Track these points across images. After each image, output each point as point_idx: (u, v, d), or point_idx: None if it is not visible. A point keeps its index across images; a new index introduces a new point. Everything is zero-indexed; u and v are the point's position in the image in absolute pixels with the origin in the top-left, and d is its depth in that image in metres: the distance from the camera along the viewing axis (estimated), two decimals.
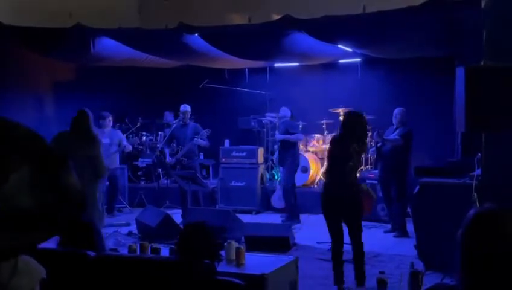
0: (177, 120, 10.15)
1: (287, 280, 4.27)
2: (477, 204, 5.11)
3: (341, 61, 11.38)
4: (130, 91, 12.13)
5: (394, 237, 8.19)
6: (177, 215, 8.91)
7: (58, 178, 1.17)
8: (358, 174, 6.20)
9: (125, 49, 10.01)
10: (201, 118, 11.21)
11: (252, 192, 10.42)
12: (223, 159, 10.85)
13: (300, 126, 10.41)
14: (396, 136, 8.19)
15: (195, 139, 9.30)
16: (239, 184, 10.50)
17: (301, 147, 10.56)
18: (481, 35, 5.99)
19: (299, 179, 10.16)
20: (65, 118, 7.02)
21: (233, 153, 10.79)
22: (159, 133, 11.97)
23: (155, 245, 4.33)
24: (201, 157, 11.12)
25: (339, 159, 5.58)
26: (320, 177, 10.77)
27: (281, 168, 9.67)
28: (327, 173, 5.87)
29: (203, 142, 9.44)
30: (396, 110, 8.42)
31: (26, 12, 10.21)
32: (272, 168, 11.12)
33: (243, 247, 4.35)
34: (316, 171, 10.69)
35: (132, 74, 11.84)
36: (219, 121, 11.52)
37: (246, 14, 10.19)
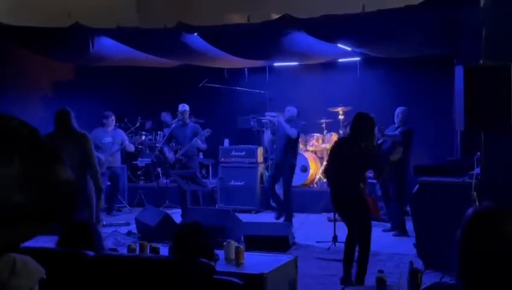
0: (176, 120, 10.15)
1: (286, 279, 4.27)
2: (477, 203, 5.12)
3: (340, 60, 11.38)
4: (130, 91, 12.13)
5: (393, 235, 8.19)
6: (176, 214, 8.91)
7: (50, 172, 1.15)
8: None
9: (124, 48, 10.00)
10: (200, 117, 11.22)
11: (252, 191, 10.42)
12: (223, 159, 10.85)
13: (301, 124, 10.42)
14: (396, 133, 8.20)
15: (194, 140, 9.31)
16: (238, 183, 10.50)
17: (301, 146, 10.55)
18: (480, 34, 5.99)
19: (298, 179, 10.16)
20: None
21: (233, 153, 10.79)
22: (159, 132, 11.98)
23: (154, 245, 4.33)
24: (201, 156, 11.12)
25: (348, 160, 5.68)
26: (320, 177, 10.78)
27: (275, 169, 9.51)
28: (335, 174, 5.87)
29: (202, 145, 9.45)
30: (399, 110, 8.42)
31: (24, 12, 10.22)
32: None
33: (242, 246, 4.35)
34: (316, 170, 10.69)
35: (131, 74, 11.85)
36: (218, 121, 11.52)
37: (245, 13, 10.18)
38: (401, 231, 8.16)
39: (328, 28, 8.70)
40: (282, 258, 4.47)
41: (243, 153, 10.69)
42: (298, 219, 9.21)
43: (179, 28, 9.33)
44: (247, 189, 10.43)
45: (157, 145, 11.57)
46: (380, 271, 4.04)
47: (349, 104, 10.58)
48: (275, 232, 7.53)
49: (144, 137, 11.88)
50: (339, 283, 5.77)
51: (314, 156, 10.84)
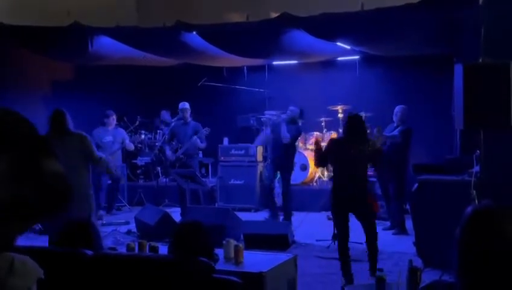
0: (175, 118, 10.15)
1: (286, 278, 4.27)
2: (476, 201, 5.11)
3: (339, 58, 11.38)
4: (129, 90, 12.13)
5: (393, 234, 8.19)
6: (176, 213, 8.92)
7: (40, 165, 1.13)
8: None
9: (122, 47, 10.00)
10: (200, 116, 11.21)
11: (251, 190, 10.42)
12: (222, 158, 10.84)
13: (300, 124, 10.41)
14: (395, 133, 8.18)
15: (194, 138, 9.31)
16: (238, 182, 10.50)
17: (300, 144, 10.55)
18: (479, 33, 5.98)
19: (298, 177, 10.16)
20: None
21: (232, 151, 10.79)
22: (158, 131, 11.98)
23: (153, 244, 4.32)
24: (200, 155, 11.11)
25: (358, 159, 5.79)
26: (320, 175, 10.78)
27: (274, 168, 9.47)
28: (345, 175, 5.90)
29: (201, 144, 9.44)
30: (397, 108, 8.40)
31: (23, 11, 10.20)
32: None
33: (241, 245, 4.35)
34: (315, 169, 10.68)
35: (131, 73, 11.85)
36: (218, 120, 11.52)
37: (244, 12, 10.18)
38: (401, 230, 8.16)
39: (327, 26, 8.69)
40: (281, 257, 4.46)
41: (243, 152, 10.69)
42: (298, 217, 9.20)
43: (177, 27, 9.32)
44: (246, 188, 10.43)
45: (156, 144, 11.57)
46: (380, 269, 4.05)
47: (348, 102, 10.58)
48: (274, 230, 7.53)
49: (143, 136, 11.88)
50: (338, 281, 5.77)
51: (313, 155, 10.82)
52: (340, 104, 10.66)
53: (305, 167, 10.55)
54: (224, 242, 4.33)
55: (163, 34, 9.78)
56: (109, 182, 10.08)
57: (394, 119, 8.40)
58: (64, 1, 11.01)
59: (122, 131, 10.42)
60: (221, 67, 12.17)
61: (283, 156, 9.03)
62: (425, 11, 7.62)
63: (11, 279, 1.23)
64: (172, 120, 10.94)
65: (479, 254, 1.64)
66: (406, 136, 8.10)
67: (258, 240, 6.94)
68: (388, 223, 8.52)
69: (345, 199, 5.82)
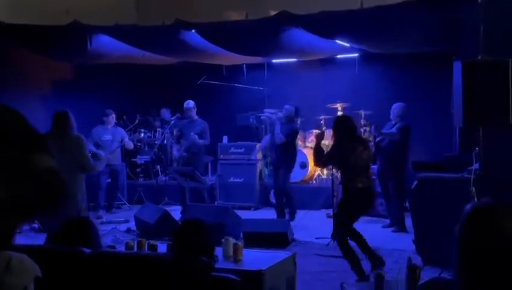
0: (175, 117, 10.13)
1: (285, 276, 4.27)
2: (475, 198, 5.11)
3: (339, 56, 11.37)
4: (128, 88, 12.12)
5: (392, 231, 8.20)
6: (175, 212, 8.91)
7: (32, 160, 1.13)
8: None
9: (121, 46, 9.99)
10: (199, 114, 11.19)
11: (251, 188, 10.42)
12: (222, 156, 10.84)
13: (299, 122, 10.41)
14: (393, 130, 8.18)
15: (192, 134, 9.31)
16: (237, 180, 10.50)
17: (300, 142, 10.54)
18: (478, 30, 5.98)
19: (297, 175, 10.15)
20: None
21: (232, 150, 10.78)
22: (158, 129, 11.98)
23: (152, 242, 4.32)
24: None
25: (366, 158, 6.00)
26: (319, 173, 10.77)
27: (274, 167, 9.49)
28: (364, 176, 6.00)
29: (200, 141, 9.42)
30: (395, 105, 8.40)
31: (22, 10, 10.19)
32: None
33: (240, 243, 4.35)
34: (314, 167, 10.67)
35: (130, 72, 11.84)
36: (217, 118, 11.50)
37: (243, 10, 10.16)
38: (400, 227, 8.16)
39: (326, 24, 8.69)
40: (280, 255, 4.46)
41: (242, 150, 10.69)
42: (297, 215, 9.20)
43: (176, 25, 9.31)
44: (246, 186, 10.43)
45: (156, 142, 11.57)
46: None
47: (347, 100, 10.57)
48: (273, 228, 7.53)
49: (142, 134, 11.88)
50: (338, 279, 5.76)
51: (312, 152, 10.81)
52: (339, 102, 10.65)
53: (304, 165, 10.55)
54: (223, 240, 4.33)
55: (163, 33, 9.77)
56: (108, 180, 10.09)
57: (391, 116, 8.39)
58: (64, 0, 10.99)
59: (121, 130, 10.42)
60: (220, 65, 12.16)
61: (280, 155, 9.02)
62: (425, 9, 7.61)
63: (8, 277, 1.22)
64: (172, 118, 10.94)
65: (478, 251, 1.64)
66: (405, 133, 8.10)
67: (258, 238, 6.95)
68: (388, 221, 8.53)
69: (372, 195, 6.20)
